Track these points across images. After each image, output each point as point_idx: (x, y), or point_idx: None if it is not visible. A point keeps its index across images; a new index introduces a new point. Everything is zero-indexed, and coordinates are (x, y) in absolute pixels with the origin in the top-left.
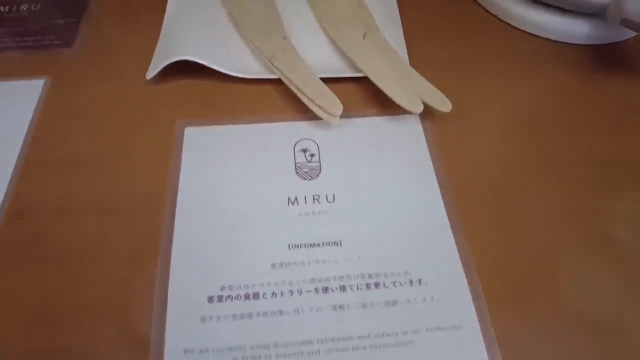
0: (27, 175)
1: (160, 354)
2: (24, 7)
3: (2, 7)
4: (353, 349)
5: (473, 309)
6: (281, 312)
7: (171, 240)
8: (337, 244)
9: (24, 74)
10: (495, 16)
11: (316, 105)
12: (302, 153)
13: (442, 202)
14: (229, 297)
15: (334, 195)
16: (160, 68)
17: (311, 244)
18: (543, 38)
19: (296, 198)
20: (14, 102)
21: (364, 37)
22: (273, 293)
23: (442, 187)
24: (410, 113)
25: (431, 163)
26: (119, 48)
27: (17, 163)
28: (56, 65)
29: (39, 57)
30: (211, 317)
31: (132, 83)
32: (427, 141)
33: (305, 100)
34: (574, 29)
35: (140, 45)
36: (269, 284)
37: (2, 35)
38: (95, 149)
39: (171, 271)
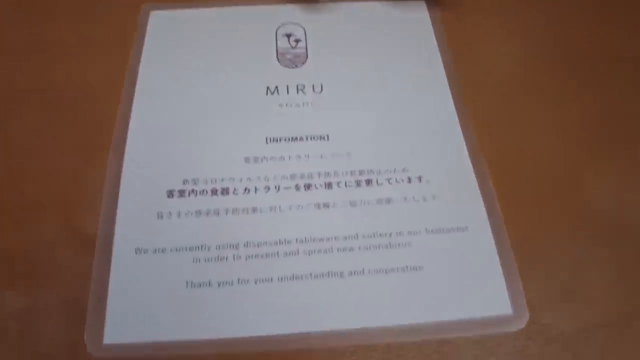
0: None
1: (107, 253)
2: None
3: None
4: (338, 250)
5: (483, 209)
6: (254, 210)
7: (126, 130)
8: (323, 138)
9: None
10: None
11: None
12: (285, 38)
13: (449, 94)
14: (193, 191)
15: (321, 84)
16: None
17: (292, 138)
18: None
19: (276, 87)
20: None
21: None
22: (245, 189)
23: (450, 79)
24: None
25: (438, 53)
26: None
27: None
28: None
29: None
30: (170, 213)
31: None
32: (434, 29)
33: None
34: None
35: None
36: (241, 179)
37: None
38: (47, 33)
39: (125, 162)
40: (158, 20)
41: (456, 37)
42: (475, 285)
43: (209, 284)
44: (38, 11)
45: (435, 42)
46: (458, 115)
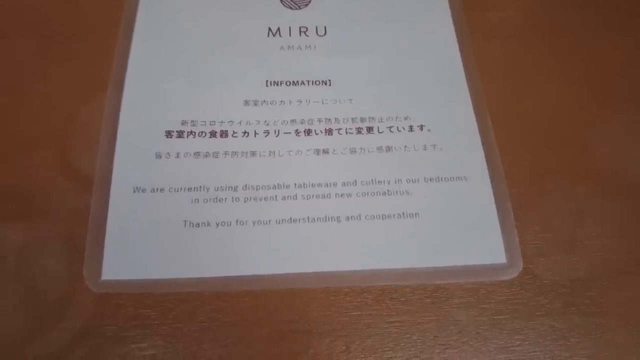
0: None
1: (105, 191)
2: None
3: None
4: (336, 195)
5: (483, 159)
6: (253, 153)
7: (125, 67)
8: (325, 83)
9: None
10: None
11: None
12: None
13: (456, 42)
14: (191, 132)
15: (325, 27)
16: None
17: (293, 82)
18: None
19: (278, 29)
20: None
21: None
22: (245, 132)
23: (457, 26)
24: None
25: None
26: None
27: None
28: None
29: None
30: (168, 154)
31: None
32: None
33: None
34: None
35: None
36: (240, 122)
37: None
38: None
39: (123, 100)
40: None
41: None
42: (472, 234)
43: (208, 224)
44: None
45: None
46: (464, 64)
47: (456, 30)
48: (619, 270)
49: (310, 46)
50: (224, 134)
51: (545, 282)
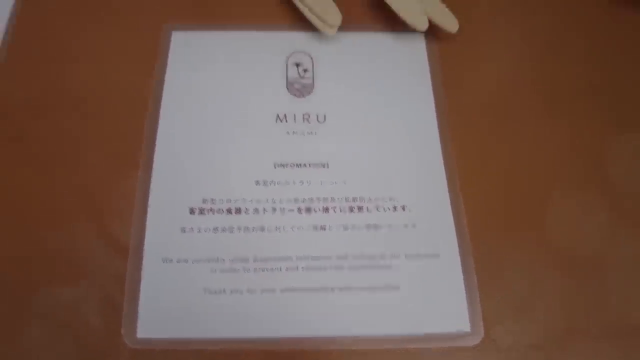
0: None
1: (138, 261)
2: None
3: None
4: (331, 267)
5: (454, 239)
6: (262, 228)
7: (153, 148)
8: (324, 166)
9: None
10: None
11: (312, 13)
12: (295, 67)
13: (436, 127)
14: (211, 209)
15: (324, 115)
16: None
17: (297, 164)
18: None
19: (285, 115)
20: None
21: None
22: (255, 209)
23: (438, 111)
24: (413, 30)
25: (431, 88)
26: None
27: None
28: None
29: None
30: (192, 228)
31: None
32: (429, 62)
33: (300, 6)
34: None
35: None
36: (252, 200)
37: None
38: (77, 47)
39: (152, 179)
40: (179, 40)
41: (449, 70)
42: (442, 305)
43: (223, 291)
44: (65, 25)
45: (428, 73)
46: (442, 151)
47: (437, 119)
48: (568, 337)
49: (311, 132)
50: (237, 211)
51: (502, 347)
